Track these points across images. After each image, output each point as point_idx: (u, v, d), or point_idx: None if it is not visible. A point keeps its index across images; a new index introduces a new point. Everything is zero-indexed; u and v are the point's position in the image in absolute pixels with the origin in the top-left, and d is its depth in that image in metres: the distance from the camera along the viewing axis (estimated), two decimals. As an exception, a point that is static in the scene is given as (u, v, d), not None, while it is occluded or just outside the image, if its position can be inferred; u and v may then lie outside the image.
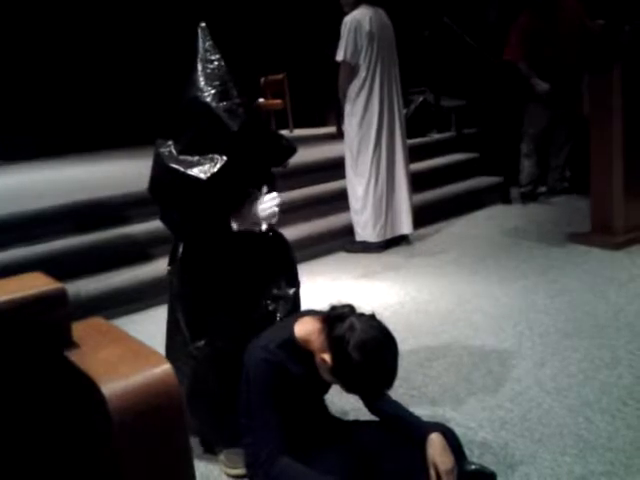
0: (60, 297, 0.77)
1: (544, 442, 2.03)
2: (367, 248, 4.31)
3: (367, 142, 4.20)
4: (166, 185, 1.94)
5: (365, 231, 4.31)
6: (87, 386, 0.72)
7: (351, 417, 2.11)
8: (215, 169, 1.83)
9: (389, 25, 4.26)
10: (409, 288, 3.58)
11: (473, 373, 2.52)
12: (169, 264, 2.09)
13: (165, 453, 0.72)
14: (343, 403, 2.23)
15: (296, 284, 2.09)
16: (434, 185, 5.36)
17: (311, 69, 7.21)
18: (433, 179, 5.39)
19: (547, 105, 4.96)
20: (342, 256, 4.35)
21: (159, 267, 3.64)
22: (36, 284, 0.78)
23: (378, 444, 1.70)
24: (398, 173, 4.31)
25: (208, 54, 1.95)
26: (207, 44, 1.97)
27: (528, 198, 5.36)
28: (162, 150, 1.95)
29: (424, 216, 4.74)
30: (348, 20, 4.09)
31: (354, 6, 4.13)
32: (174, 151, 1.93)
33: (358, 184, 4.28)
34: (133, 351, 0.78)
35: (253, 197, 1.97)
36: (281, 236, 2.17)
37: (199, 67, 1.93)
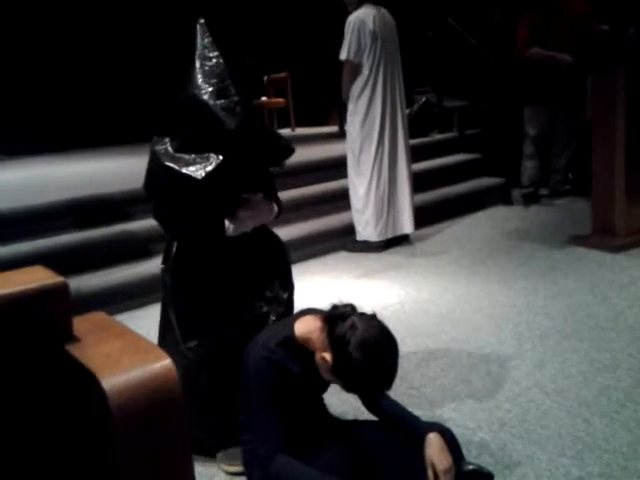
0: (61, 291, 0.78)
1: (542, 443, 2.03)
2: (368, 247, 4.31)
3: (369, 141, 4.20)
4: (161, 183, 1.92)
5: (366, 230, 4.31)
6: (87, 380, 0.72)
7: (350, 416, 2.11)
8: (210, 168, 1.80)
9: (393, 25, 4.25)
10: (409, 288, 3.58)
11: (472, 374, 2.53)
12: (163, 262, 2.08)
13: (165, 448, 0.72)
14: (342, 402, 2.23)
15: (290, 287, 2.08)
16: (436, 185, 5.36)
17: (314, 68, 7.21)
18: (435, 179, 5.39)
19: (546, 106, 4.95)
20: (343, 255, 4.35)
21: (159, 264, 3.64)
22: (38, 278, 0.78)
23: (377, 443, 1.70)
24: (400, 173, 4.31)
25: (206, 51, 1.92)
26: (206, 41, 1.94)
27: (530, 200, 5.36)
28: (158, 147, 1.92)
29: (425, 216, 4.74)
30: (352, 19, 4.09)
31: (358, 5, 4.13)
32: (170, 149, 1.90)
33: (360, 183, 4.29)
34: (134, 346, 0.78)
35: (249, 200, 1.95)
36: (277, 239, 2.15)
37: (197, 64, 1.91)
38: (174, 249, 2.03)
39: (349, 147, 4.32)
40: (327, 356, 1.56)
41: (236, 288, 1.97)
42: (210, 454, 2.06)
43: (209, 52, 1.92)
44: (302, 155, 5.40)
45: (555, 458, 1.95)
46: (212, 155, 1.82)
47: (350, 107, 4.25)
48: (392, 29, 4.24)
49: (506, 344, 2.77)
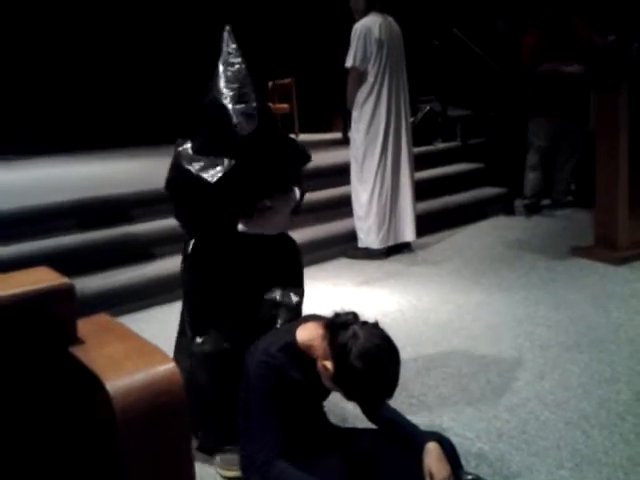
0: (67, 292, 0.78)
1: (541, 455, 2.03)
2: (369, 254, 4.32)
3: (373, 149, 4.21)
4: (180, 184, 1.97)
5: (368, 237, 4.31)
6: (91, 383, 0.72)
7: (349, 424, 2.11)
8: (221, 173, 1.84)
9: (399, 33, 4.27)
10: (410, 296, 3.58)
11: (472, 383, 2.52)
12: (182, 261, 2.11)
13: (167, 450, 0.72)
14: (341, 409, 2.23)
15: (301, 294, 2.08)
16: (438, 194, 5.36)
17: (319, 74, 7.23)
18: (437, 188, 5.40)
19: (553, 117, 4.97)
20: (344, 262, 4.35)
21: (163, 266, 3.66)
22: (44, 279, 0.78)
23: (375, 452, 1.70)
24: (403, 181, 4.32)
25: (230, 57, 1.97)
26: (230, 47, 1.99)
27: (532, 210, 5.36)
28: (180, 149, 1.98)
29: (427, 224, 4.75)
30: (358, 27, 4.11)
31: (365, 13, 4.15)
32: (189, 151, 1.95)
33: (363, 190, 4.29)
34: (137, 348, 0.79)
35: (265, 204, 1.97)
36: (293, 243, 2.17)
37: (220, 69, 1.96)
38: (190, 248, 2.06)
39: (353, 154, 4.33)
40: (328, 364, 1.56)
41: (248, 289, 2.00)
42: (208, 456, 2.06)
43: (233, 58, 1.97)
44: (305, 161, 5.42)
45: (554, 470, 1.95)
46: (225, 160, 1.86)
47: (354, 114, 4.26)
48: (398, 37, 4.26)
49: (506, 354, 2.77)
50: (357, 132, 4.26)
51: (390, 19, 4.23)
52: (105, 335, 0.83)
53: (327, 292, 3.71)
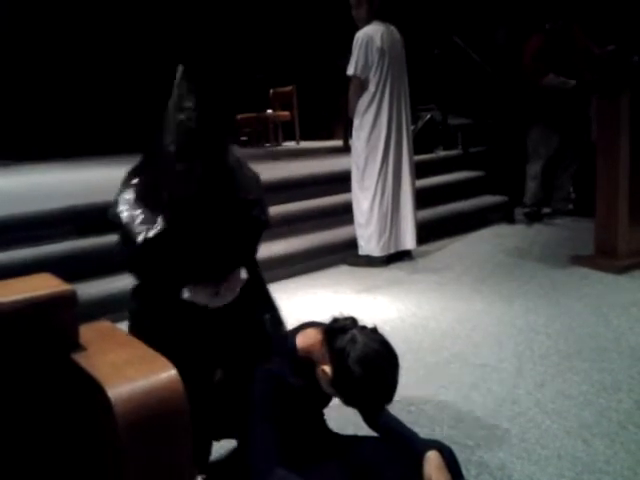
0: (69, 299, 0.78)
1: (542, 464, 2.02)
2: (370, 262, 4.32)
3: (374, 156, 4.22)
4: (117, 223, 1.74)
5: (369, 245, 4.31)
6: (93, 389, 0.72)
7: (349, 431, 2.10)
8: (151, 234, 1.61)
9: (400, 42, 4.29)
10: (410, 304, 3.58)
11: (472, 392, 2.52)
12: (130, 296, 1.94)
13: (169, 458, 0.72)
14: (341, 417, 2.22)
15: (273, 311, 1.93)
16: (439, 202, 5.37)
17: (320, 82, 7.26)
18: (438, 196, 5.41)
19: (556, 127, 4.98)
20: (344, 269, 4.35)
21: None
22: (46, 285, 0.78)
23: (375, 459, 1.70)
24: (404, 188, 4.32)
25: (183, 101, 1.73)
26: (184, 88, 1.76)
27: (532, 218, 5.37)
28: (123, 187, 1.76)
29: (428, 232, 4.75)
30: (360, 35, 4.13)
31: (367, 22, 4.17)
32: (131, 194, 1.72)
33: (363, 198, 4.30)
34: (139, 355, 0.79)
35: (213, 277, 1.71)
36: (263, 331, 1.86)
37: (170, 112, 1.74)
38: (133, 289, 1.91)
39: (354, 161, 4.34)
40: (327, 369, 1.56)
41: (192, 359, 1.70)
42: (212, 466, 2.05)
43: (185, 102, 1.73)
44: (306, 168, 5.43)
45: (555, 479, 1.94)
46: (159, 219, 1.62)
47: (356, 122, 4.28)
48: (399, 46, 4.28)
49: (507, 362, 2.77)
50: (358, 140, 4.27)
51: (392, 28, 4.25)
52: (107, 342, 0.83)
53: (327, 299, 3.71)
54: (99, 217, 3.82)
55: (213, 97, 1.82)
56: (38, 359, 0.77)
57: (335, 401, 1.69)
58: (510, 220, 5.48)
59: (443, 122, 6.14)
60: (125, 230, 1.69)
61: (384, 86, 4.16)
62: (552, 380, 2.59)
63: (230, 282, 1.74)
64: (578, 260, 4.17)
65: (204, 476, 1.94)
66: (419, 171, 4.73)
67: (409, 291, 3.81)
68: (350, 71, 4.15)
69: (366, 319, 1.68)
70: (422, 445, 1.66)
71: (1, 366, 0.75)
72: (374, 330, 1.59)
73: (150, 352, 0.80)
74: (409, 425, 1.78)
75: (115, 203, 1.76)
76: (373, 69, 4.12)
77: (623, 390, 2.48)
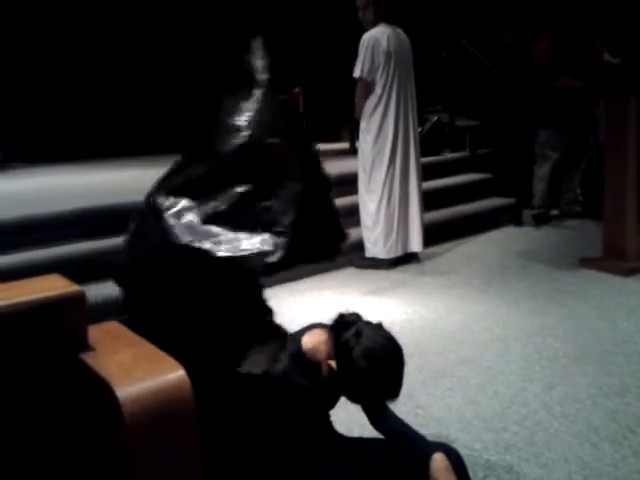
0: (79, 300, 0.79)
1: (549, 467, 2.01)
2: (376, 264, 4.31)
3: (381, 159, 4.22)
4: (166, 268, 1.31)
5: (375, 247, 4.31)
6: (101, 389, 0.73)
7: (355, 434, 2.10)
8: (276, 257, 1.20)
9: (407, 44, 4.29)
10: (417, 306, 3.57)
11: (479, 394, 2.51)
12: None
13: (177, 457, 0.73)
14: (348, 419, 2.22)
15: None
16: (446, 204, 5.36)
17: (326, 84, 7.26)
18: (445, 198, 5.39)
19: (565, 128, 4.97)
20: (351, 271, 4.35)
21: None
22: (56, 286, 0.79)
23: (381, 461, 1.70)
24: (411, 191, 4.32)
25: (258, 74, 1.45)
26: (259, 60, 1.48)
27: (540, 221, 5.35)
28: (168, 214, 1.31)
29: (435, 235, 4.74)
30: (366, 38, 4.13)
31: (373, 24, 4.17)
32: (195, 217, 1.27)
33: (370, 200, 4.30)
34: (147, 356, 0.79)
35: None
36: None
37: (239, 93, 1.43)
38: None
39: (361, 164, 4.34)
40: (333, 364, 1.56)
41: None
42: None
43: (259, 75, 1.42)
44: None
45: (562, 482, 1.93)
46: (280, 243, 1.22)
47: (362, 125, 4.28)
48: (406, 48, 4.28)
49: (514, 365, 2.76)
50: (365, 142, 4.27)
51: (399, 30, 4.25)
52: (115, 342, 0.83)
53: (334, 301, 3.71)
54: (110, 218, 3.88)
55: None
56: (47, 359, 0.78)
57: (341, 404, 1.69)
58: (518, 222, 5.47)
59: (450, 124, 6.13)
60: (208, 264, 1.24)
61: (391, 88, 4.16)
62: (560, 383, 2.57)
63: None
64: (586, 262, 4.15)
65: None
66: (426, 173, 4.72)
67: (416, 293, 3.80)
68: (356, 73, 4.16)
69: (373, 321, 1.68)
70: (428, 447, 1.65)
71: (11, 365, 0.75)
72: (379, 326, 1.59)
73: (158, 352, 0.81)
74: (416, 428, 1.77)
75: (156, 245, 1.33)
76: (379, 71, 4.12)
77: (631, 393, 2.46)
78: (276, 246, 1.22)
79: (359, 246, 4.40)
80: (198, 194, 1.35)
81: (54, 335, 0.77)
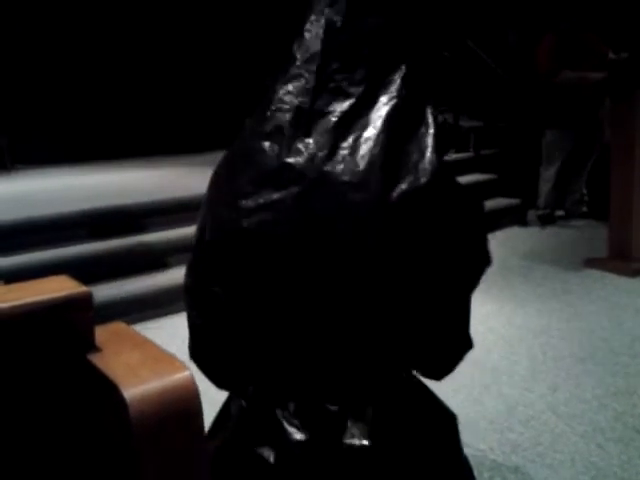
0: (86, 300, 0.79)
1: (555, 468, 2.01)
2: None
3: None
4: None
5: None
6: (108, 390, 0.73)
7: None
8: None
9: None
10: (422, 307, 3.57)
11: (484, 395, 2.51)
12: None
13: (184, 459, 0.73)
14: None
15: None
16: (451, 205, 5.35)
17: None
18: (450, 199, 5.38)
19: (570, 129, 4.95)
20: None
21: (175, 275, 3.67)
22: (63, 287, 0.79)
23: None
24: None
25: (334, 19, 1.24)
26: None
27: (546, 221, 5.34)
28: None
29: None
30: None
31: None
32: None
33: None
34: (154, 356, 0.79)
35: None
36: None
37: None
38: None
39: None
40: None
41: None
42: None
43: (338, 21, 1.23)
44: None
45: (568, 483, 1.93)
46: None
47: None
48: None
49: (519, 366, 2.75)
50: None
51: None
52: (122, 343, 0.84)
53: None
54: (117, 219, 3.89)
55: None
56: (55, 359, 0.78)
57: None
58: (523, 223, 5.45)
59: (455, 124, 6.12)
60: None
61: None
62: (565, 383, 2.57)
63: None
64: (591, 263, 4.14)
65: None
66: (431, 174, 4.71)
67: (421, 294, 3.80)
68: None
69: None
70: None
71: (19, 366, 0.76)
72: None
73: (165, 353, 0.81)
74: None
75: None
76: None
77: (637, 394, 2.46)
78: None
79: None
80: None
81: (61, 336, 0.78)
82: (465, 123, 6.25)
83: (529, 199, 5.46)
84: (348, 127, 1.23)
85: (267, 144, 1.24)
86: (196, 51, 6.61)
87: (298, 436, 1.23)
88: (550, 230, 5.26)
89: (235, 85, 6.57)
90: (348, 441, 1.25)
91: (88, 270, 3.50)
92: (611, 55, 4.63)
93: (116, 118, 6.51)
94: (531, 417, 2.32)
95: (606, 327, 3.14)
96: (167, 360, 0.78)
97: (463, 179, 5.79)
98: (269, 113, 1.27)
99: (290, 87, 1.27)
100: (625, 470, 1.98)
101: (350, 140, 1.22)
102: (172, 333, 3.15)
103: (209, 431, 1.39)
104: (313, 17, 1.29)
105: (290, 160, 1.21)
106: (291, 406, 1.26)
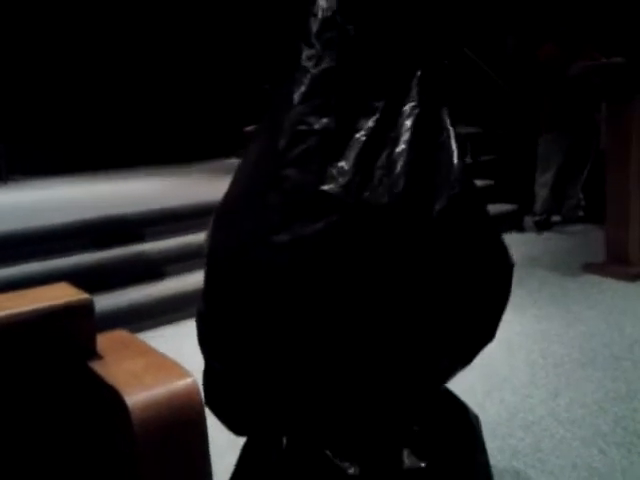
0: (87, 308, 0.79)
1: (556, 473, 2.00)
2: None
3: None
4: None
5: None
6: (110, 396, 0.73)
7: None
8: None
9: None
10: (421, 313, 3.56)
11: (485, 401, 2.50)
12: None
13: (185, 465, 0.72)
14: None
15: None
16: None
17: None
18: (447, 205, 5.39)
19: (567, 133, 4.97)
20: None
21: (173, 285, 3.67)
22: (64, 294, 0.79)
23: None
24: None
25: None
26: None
27: (542, 227, 5.35)
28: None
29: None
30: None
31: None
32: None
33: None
34: (157, 363, 0.79)
35: None
36: None
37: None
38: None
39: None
40: None
41: None
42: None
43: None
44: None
45: (570, 489, 1.92)
46: None
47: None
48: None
49: (520, 371, 2.75)
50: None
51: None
52: (124, 350, 0.84)
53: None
54: (113, 230, 3.89)
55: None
56: (56, 366, 0.78)
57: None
58: (520, 228, 5.46)
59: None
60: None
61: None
62: (566, 389, 2.57)
63: None
64: (589, 268, 4.14)
65: None
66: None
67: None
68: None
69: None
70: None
71: (21, 373, 0.75)
72: None
73: (168, 360, 0.81)
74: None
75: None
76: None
77: (638, 399, 2.45)
78: None
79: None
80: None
81: (62, 343, 0.78)
82: (463, 130, 6.27)
83: (526, 205, 5.47)
84: (379, 145, 1.17)
85: (294, 171, 1.14)
86: (190, 61, 6.63)
87: (353, 471, 1.17)
88: (547, 235, 5.26)
89: (231, 95, 6.59)
90: (407, 465, 1.20)
91: (86, 280, 3.48)
92: (605, 61, 4.65)
93: (112, 128, 6.53)
94: (532, 422, 2.32)
95: (605, 332, 3.14)
96: (170, 367, 0.78)
97: (461, 185, 5.81)
98: (290, 136, 1.17)
99: (310, 106, 1.18)
100: (627, 475, 1.97)
101: (383, 158, 1.16)
102: (173, 342, 3.15)
103: None
104: (321, 23, 1.21)
105: (325, 188, 1.12)
106: (337, 442, 1.20)
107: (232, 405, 1.22)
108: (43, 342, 0.76)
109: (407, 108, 1.23)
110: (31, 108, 6.15)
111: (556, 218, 5.48)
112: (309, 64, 1.22)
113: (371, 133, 1.18)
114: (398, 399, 1.24)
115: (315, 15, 1.24)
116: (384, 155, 1.18)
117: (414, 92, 1.26)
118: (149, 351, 0.84)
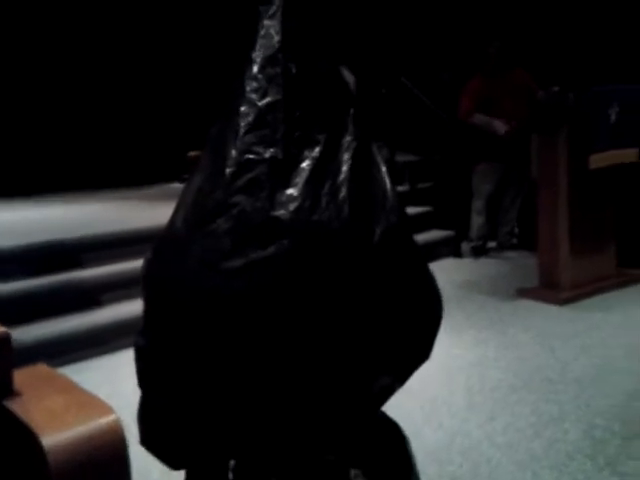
0: (2, 343, 0.75)
1: (493, 498, 2.02)
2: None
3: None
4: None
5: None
6: (27, 437, 0.69)
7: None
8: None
9: (352, 82, 4.37)
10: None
11: (424, 426, 2.52)
12: None
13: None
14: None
15: None
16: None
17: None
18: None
19: (499, 163, 5.15)
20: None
21: (109, 314, 3.55)
22: (-22, 329, 0.75)
23: None
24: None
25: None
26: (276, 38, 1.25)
27: (478, 253, 5.49)
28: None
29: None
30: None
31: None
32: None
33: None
34: (78, 401, 0.75)
35: None
36: None
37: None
38: None
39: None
40: None
41: None
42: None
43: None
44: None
45: (506, 513, 1.94)
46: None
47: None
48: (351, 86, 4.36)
49: (457, 396, 2.79)
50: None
51: (343, 68, 4.33)
52: (44, 387, 0.79)
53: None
54: (49, 256, 3.73)
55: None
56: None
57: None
58: (458, 254, 5.59)
59: (391, 159, 6.26)
60: None
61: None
62: (502, 413, 2.61)
63: None
64: (523, 292, 4.27)
65: None
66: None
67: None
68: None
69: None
70: None
71: None
72: None
73: (91, 397, 0.77)
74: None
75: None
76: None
77: (570, 420, 2.53)
78: None
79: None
80: None
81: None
82: (401, 158, 6.40)
83: (463, 231, 5.61)
84: (323, 174, 1.23)
85: (243, 198, 1.19)
86: (132, 85, 6.55)
87: None
88: (483, 261, 5.40)
89: (175, 119, 6.53)
90: None
91: (17, 308, 3.34)
92: (541, 94, 4.86)
93: (47, 152, 6.34)
94: (469, 448, 2.34)
95: (539, 355, 3.23)
96: (93, 404, 0.74)
97: (400, 212, 5.91)
98: (238, 164, 1.22)
99: (257, 136, 1.24)
100: (560, 496, 2.01)
101: (327, 187, 1.22)
102: (104, 375, 3.04)
103: None
104: (264, 59, 1.27)
105: (276, 214, 1.17)
106: (282, 469, 1.22)
107: (171, 439, 1.12)
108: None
109: (345, 142, 1.29)
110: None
111: (492, 244, 5.64)
112: (254, 96, 1.28)
113: (316, 163, 1.24)
114: (336, 422, 1.27)
115: (258, 50, 1.30)
116: (327, 184, 1.24)
117: (350, 128, 1.32)
118: (71, 387, 0.80)
